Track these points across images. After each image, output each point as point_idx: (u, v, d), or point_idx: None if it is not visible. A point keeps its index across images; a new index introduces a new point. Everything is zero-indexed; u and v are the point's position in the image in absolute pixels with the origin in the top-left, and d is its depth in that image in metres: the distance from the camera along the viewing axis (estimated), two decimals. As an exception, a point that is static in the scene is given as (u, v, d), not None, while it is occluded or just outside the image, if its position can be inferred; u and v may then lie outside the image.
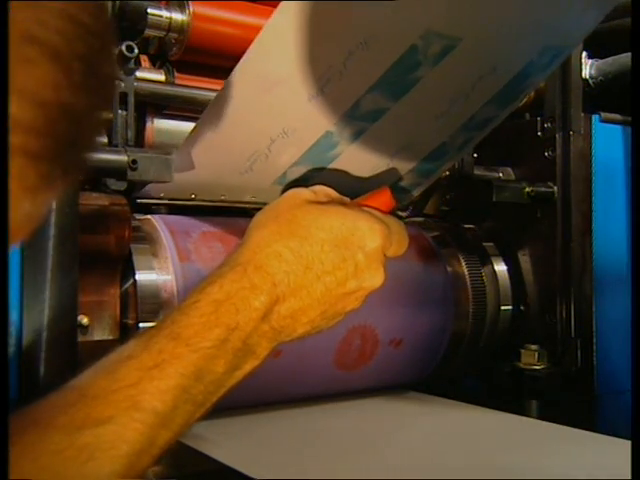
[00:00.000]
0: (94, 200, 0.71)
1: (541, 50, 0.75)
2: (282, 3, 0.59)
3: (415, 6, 0.63)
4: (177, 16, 0.84)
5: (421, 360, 0.93)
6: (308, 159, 0.78)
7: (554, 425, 0.81)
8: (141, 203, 0.78)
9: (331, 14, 0.61)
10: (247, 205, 0.83)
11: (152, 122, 0.84)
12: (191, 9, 0.84)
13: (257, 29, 0.81)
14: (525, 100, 1.05)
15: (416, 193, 0.94)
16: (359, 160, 0.81)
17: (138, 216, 0.77)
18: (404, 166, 0.85)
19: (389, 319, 0.87)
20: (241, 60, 0.64)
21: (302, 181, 0.81)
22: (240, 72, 0.65)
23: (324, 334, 0.80)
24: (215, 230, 0.79)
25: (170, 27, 0.83)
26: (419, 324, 0.90)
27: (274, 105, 0.69)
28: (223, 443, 0.72)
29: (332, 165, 0.80)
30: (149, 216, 0.78)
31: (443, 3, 0.64)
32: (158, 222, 0.77)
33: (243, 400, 0.81)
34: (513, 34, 0.70)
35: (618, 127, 1.05)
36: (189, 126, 0.76)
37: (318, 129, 0.74)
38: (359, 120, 0.74)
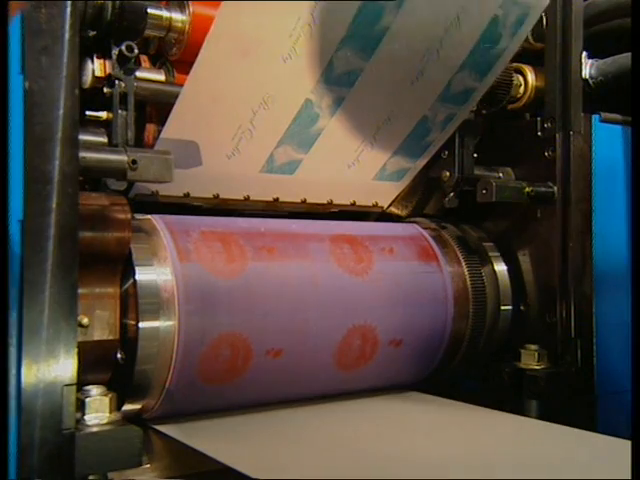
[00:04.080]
0: (94, 200, 0.71)
1: (501, 3, 0.75)
2: None
3: None
4: (177, 16, 0.83)
5: (421, 360, 0.93)
6: (292, 136, 0.77)
7: (554, 425, 0.81)
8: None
9: None
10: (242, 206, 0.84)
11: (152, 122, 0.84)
12: (191, 9, 0.84)
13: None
14: (525, 100, 1.05)
15: (405, 181, 0.93)
16: (343, 136, 0.80)
17: (138, 216, 0.77)
18: (389, 145, 0.84)
19: (389, 319, 0.87)
20: (213, 24, 0.64)
21: (289, 169, 0.81)
22: (214, 37, 0.65)
23: (324, 334, 0.81)
24: (215, 230, 0.79)
25: (170, 27, 0.83)
26: (419, 324, 0.90)
27: (251, 70, 0.68)
28: (223, 443, 0.72)
29: (317, 143, 0.79)
30: (149, 216, 0.78)
31: None
32: (158, 222, 0.77)
33: (244, 401, 0.81)
34: None
35: (618, 127, 1.05)
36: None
37: (297, 97, 0.74)
38: (335, 85, 0.74)
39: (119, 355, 0.72)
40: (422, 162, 0.89)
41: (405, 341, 0.89)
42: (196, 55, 0.86)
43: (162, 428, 0.74)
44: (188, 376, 0.73)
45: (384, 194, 0.94)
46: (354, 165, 0.86)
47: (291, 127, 0.76)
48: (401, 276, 0.89)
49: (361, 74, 0.74)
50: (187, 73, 0.87)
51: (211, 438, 0.73)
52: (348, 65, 0.72)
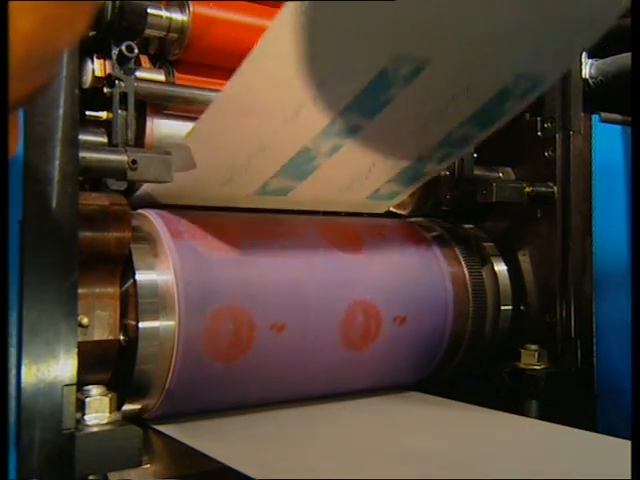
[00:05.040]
0: (94, 200, 0.71)
1: (515, 77, 0.76)
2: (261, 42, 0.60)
3: (382, 30, 0.64)
4: (177, 16, 0.83)
5: (428, 340, 0.92)
6: (287, 172, 0.79)
7: (554, 425, 0.81)
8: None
9: (291, 61, 0.63)
10: None
11: (152, 122, 0.84)
12: (191, 9, 0.84)
13: (257, 29, 0.82)
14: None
15: (395, 201, 0.95)
16: (336, 172, 0.83)
17: (138, 215, 0.77)
18: (382, 177, 0.87)
19: (390, 297, 0.88)
20: (224, 89, 0.66)
21: (282, 192, 0.82)
22: (224, 100, 0.67)
23: (326, 311, 0.81)
24: (215, 228, 0.79)
25: (170, 27, 0.83)
26: (420, 303, 0.91)
27: (252, 128, 0.71)
28: (223, 443, 0.72)
29: (310, 177, 0.82)
30: (149, 215, 0.78)
31: (409, 26, 0.64)
32: (158, 222, 0.77)
33: (252, 383, 0.80)
34: (482, 58, 0.72)
35: (618, 127, 1.05)
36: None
37: (295, 145, 0.76)
38: (335, 137, 0.75)
39: (121, 337, 0.72)
40: (415, 186, 0.92)
41: (409, 318, 0.89)
42: (196, 55, 0.87)
43: (162, 428, 0.74)
44: (193, 356, 0.73)
45: (376, 208, 0.97)
46: (347, 190, 0.88)
47: (286, 166, 0.78)
48: (401, 276, 0.89)
49: (362, 130, 0.76)
50: (187, 73, 0.88)
51: (211, 438, 0.73)
52: (349, 123, 0.74)
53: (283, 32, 0.61)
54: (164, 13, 0.83)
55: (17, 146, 0.44)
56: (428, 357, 0.94)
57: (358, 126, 0.75)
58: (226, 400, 0.80)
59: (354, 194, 0.90)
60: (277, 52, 0.63)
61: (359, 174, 0.85)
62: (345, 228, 0.91)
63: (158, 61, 0.88)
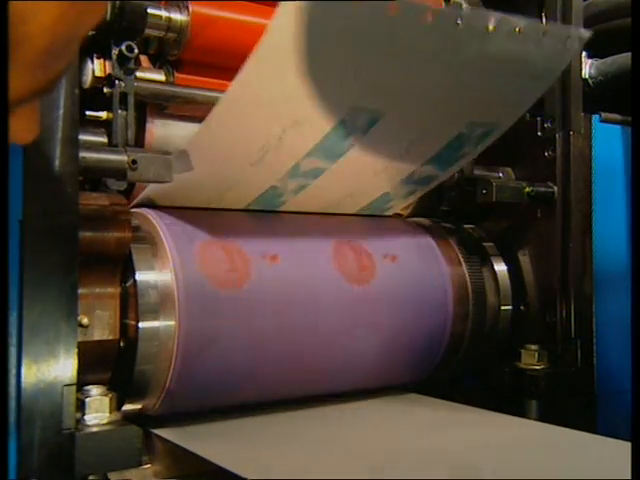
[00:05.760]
0: (94, 200, 0.71)
1: (468, 125, 0.82)
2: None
3: (341, 87, 0.69)
4: (176, 16, 0.83)
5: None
6: (256, 205, 0.84)
7: (553, 427, 0.81)
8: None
9: (261, 101, 0.67)
10: None
11: (152, 122, 0.84)
12: (190, 9, 0.84)
13: (256, 28, 0.82)
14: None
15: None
16: (305, 208, 0.88)
17: (138, 215, 0.77)
18: (349, 211, 0.93)
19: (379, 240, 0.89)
20: (195, 136, 0.71)
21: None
22: (191, 146, 0.72)
23: (314, 249, 0.84)
24: (215, 228, 0.79)
25: (169, 27, 0.83)
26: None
27: (217, 171, 0.76)
28: (220, 445, 0.72)
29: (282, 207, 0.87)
30: (149, 215, 0.78)
31: (365, 83, 0.69)
32: (158, 221, 0.77)
33: (262, 311, 0.79)
34: (434, 111, 0.77)
35: (618, 127, 1.05)
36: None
37: (262, 185, 0.80)
38: (300, 177, 0.80)
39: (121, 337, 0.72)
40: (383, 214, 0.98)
41: (400, 257, 0.89)
42: (196, 55, 0.87)
43: (158, 431, 0.74)
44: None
45: None
46: None
47: (254, 202, 0.84)
48: (400, 276, 0.89)
49: (325, 171, 0.80)
50: (187, 73, 0.87)
51: (207, 440, 0.73)
52: (313, 166, 0.79)
53: (252, 79, 0.64)
54: (163, 13, 0.83)
55: (36, 135, 0.45)
56: (428, 357, 0.94)
57: (321, 168, 0.79)
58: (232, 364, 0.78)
59: None
60: (248, 96, 0.66)
61: (327, 209, 0.90)
62: (344, 228, 0.91)
63: (158, 61, 0.88)
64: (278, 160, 0.76)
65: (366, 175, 0.85)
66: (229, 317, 0.76)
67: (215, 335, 0.74)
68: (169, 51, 0.86)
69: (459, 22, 0.66)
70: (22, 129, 0.43)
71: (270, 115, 0.70)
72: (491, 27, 0.68)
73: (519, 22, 0.70)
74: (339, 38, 0.64)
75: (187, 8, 0.84)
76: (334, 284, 0.83)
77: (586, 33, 0.77)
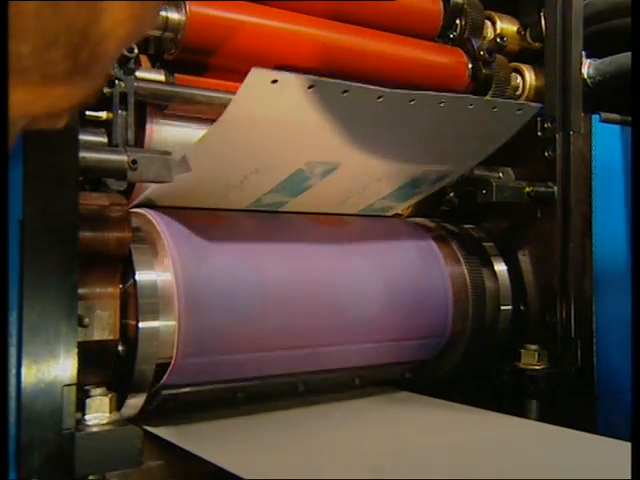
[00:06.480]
0: (94, 200, 0.71)
1: (422, 172, 0.87)
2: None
3: (298, 144, 0.75)
4: (173, 15, 0.83)
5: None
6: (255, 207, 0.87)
7: (553, 427, 0.81)
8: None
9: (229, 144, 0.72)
10: None
11: (152, 122, 0.84)
12: (187, 8, 0.83)
13: (255, 28, 0.82)
14: (524, 100, 1.05)
15: None
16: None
17: (138, 215, 0.77)
18: None
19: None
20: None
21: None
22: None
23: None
24: (215, 228, 0.79)
25: (166, 26, 0.83)
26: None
27: (205, 191, 0.80)
28: (218, 445, 0.72)
29: None
30: (149, 215, 0.78)
31: (320, 140, 0.75)
32: (158, 222, 0.77)
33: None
34: (389, 163, 0.83)
35: (617, 127, 1.05)
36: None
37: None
38: (263, 208, 0.85)
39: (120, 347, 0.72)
40: None
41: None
42: (194, 55, 0.87)
43: (154, 430, 0.74)
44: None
45: None
46: None
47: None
48: (400, 276, 0.89)
49: (286, 204, 0.86)
50: (187, 73, 0.87)
51: (203, 439, 0.73)
52: (274, 200, 0.85)
53: (232, 126, 0.69)
54: (161, 12, 0.83)
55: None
56: (428, 357, 0.94)
57: (283, 202, 0.85)
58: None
59: None
60: (227, 138, 0.72)
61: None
62: (345, 228, 0.91)
63: (157, 61, 0.88)
64: (241, 197, 0.83)
65: (328, 206, 0.91)
66: (229, 317, 0.76)
67: (215, 335, 0.74)
68: (166, 50, 0.86)
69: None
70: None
71: (239, 159, 0.75)
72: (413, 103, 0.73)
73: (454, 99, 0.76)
74: (297, 111, 0.69)
75: (184, 7, 0.84)
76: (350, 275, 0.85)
77: (537, 106, 0.84)
